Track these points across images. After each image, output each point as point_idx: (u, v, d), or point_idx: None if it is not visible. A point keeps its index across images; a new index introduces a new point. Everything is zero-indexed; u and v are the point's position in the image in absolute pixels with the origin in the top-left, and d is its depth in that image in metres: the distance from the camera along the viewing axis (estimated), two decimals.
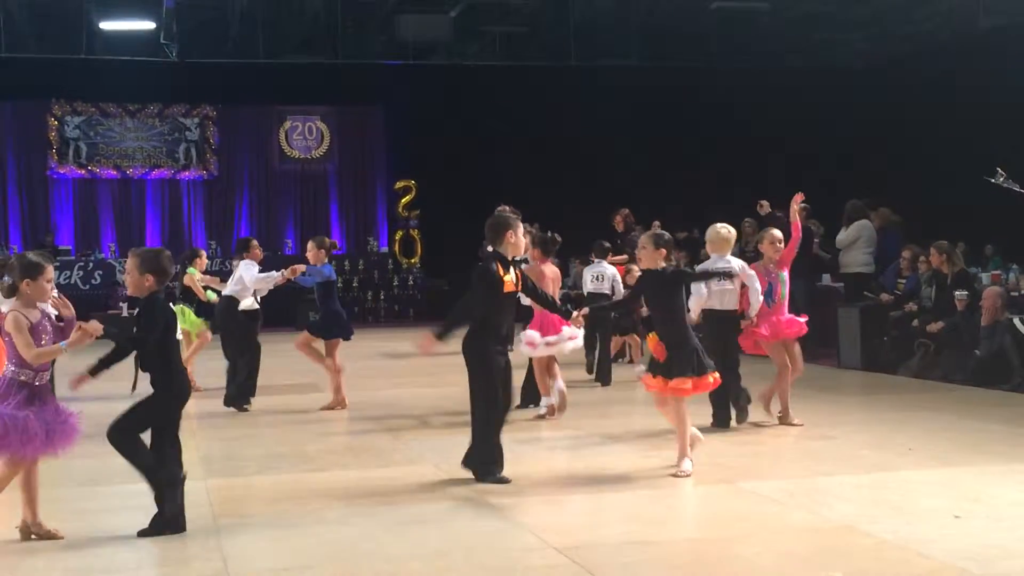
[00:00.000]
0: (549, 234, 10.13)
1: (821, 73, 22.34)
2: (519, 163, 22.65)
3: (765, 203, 15.48)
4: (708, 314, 9.19)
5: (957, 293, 12.25)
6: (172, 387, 6.11)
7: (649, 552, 5.59)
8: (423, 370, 14.41)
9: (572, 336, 9.69)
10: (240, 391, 10.97)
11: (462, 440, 8.62)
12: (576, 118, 22.70)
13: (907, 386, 11.93)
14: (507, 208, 9.31)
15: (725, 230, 9.20)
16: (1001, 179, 4.37)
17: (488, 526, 6.17)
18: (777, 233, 9.53)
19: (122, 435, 6.03)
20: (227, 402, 10.96)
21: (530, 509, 6.53)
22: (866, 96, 21.43)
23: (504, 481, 7.15)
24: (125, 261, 21.16)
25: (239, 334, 11.18)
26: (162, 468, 6.03)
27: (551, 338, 9.67)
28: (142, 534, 5.97)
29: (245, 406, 10.93)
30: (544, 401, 10.05)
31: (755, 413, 9.36)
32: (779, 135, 22.05)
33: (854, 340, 13.43)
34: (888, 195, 16.64)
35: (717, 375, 7.52)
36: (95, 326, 5.80)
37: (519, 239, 7.46)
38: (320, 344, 10.90)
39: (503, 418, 7.38)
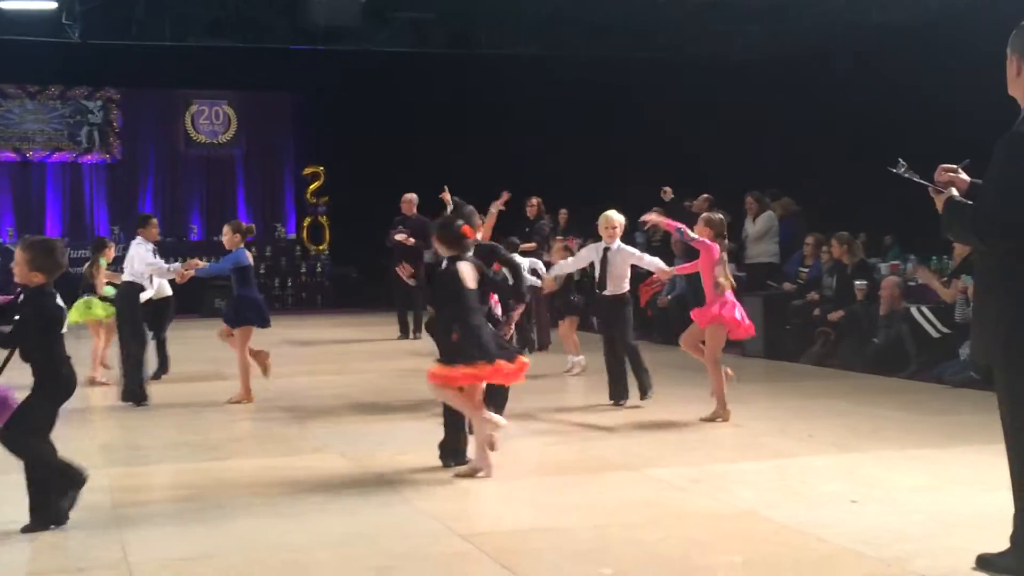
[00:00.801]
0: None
1: (721, 64, 22.56)
2: (428, 150, 22.57)
3: (668, 189, 15.69)
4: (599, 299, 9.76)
5: (857, 283, 12.51)
6: (55, 383, 5.90)
7: (554, 539, 5.63)
8: (330, 358, 14.36)
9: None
10: (139, 384, 10.45)
11: (369, 428, 8.64)
12: (482, 106, 22.69)
13: (808, 374, 12.16)
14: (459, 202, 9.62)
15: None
16: (903, 169, 4.48)
17: (394, 514, 6.17)
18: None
19: (14, 443, 5.84)
20: (125, 396, 10.44)
21: (436, 497, 6.54)
22: (765, 88, 21.70)
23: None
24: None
25: (138, 321, 10.74)
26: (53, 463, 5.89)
27: None
28: (26, 530, 5.80)
29: (144, 401, 10.43)
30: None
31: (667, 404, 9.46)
32: (680, 125, 22.26)
33: (757, 328, 13.61)
34: (788, 186, 16.92)
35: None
36: None
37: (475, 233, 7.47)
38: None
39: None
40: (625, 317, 9.82)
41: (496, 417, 7.09)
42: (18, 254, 5.98)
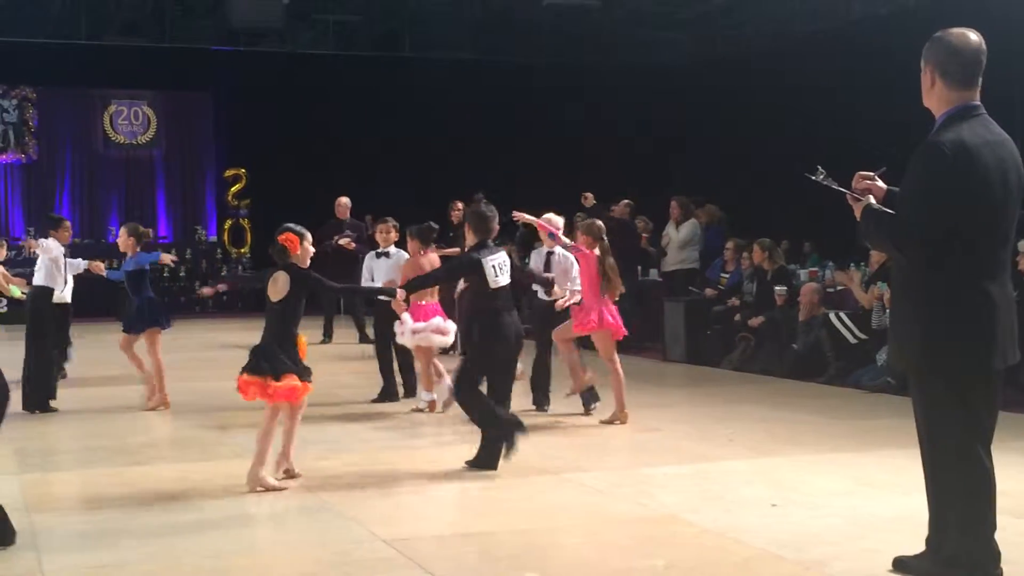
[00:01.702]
0: (426, 224, 10.09)
1: (650, 71, 22.76)
2: (351, 153, 22.45)
3: (589, 195, 15.81)
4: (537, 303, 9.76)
5: (777, 289, 12.67)
6: None
7: (475, 543, 5.63)
8: None
9: (440, 330, 9.67)
10: (44, 390, 10.12)
11: None
12: (408, 110, 22.62)
13: (728, 379, 12.28)
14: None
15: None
16: (821, 176, 4.53)
17: (317, 520, 6.12)
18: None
19: None
20: (30, 405, 9.98)
21: (360, 503, 6.50)
22: (690, 95, 21.92)
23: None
24: None
25: (54, 326, 10.55)
26: None
27: (419, 325, 9.66)
28: None
29: (52, 405, 10.14)
30: (425, 395, 9.94)
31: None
32: (607, 132, 22.40)
33: (679, 334, 13.75)
34: (709, 192, 17.10)
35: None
36: None
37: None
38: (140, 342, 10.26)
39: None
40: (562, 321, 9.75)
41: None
42: None
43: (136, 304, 10.22)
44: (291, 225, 7.19)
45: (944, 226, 4.42)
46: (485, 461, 7.29)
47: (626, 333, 9.49)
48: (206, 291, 11.83)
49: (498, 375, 7.58)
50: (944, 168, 4.43)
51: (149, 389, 10.34)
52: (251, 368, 6.89)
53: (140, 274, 10.20)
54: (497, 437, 7.26)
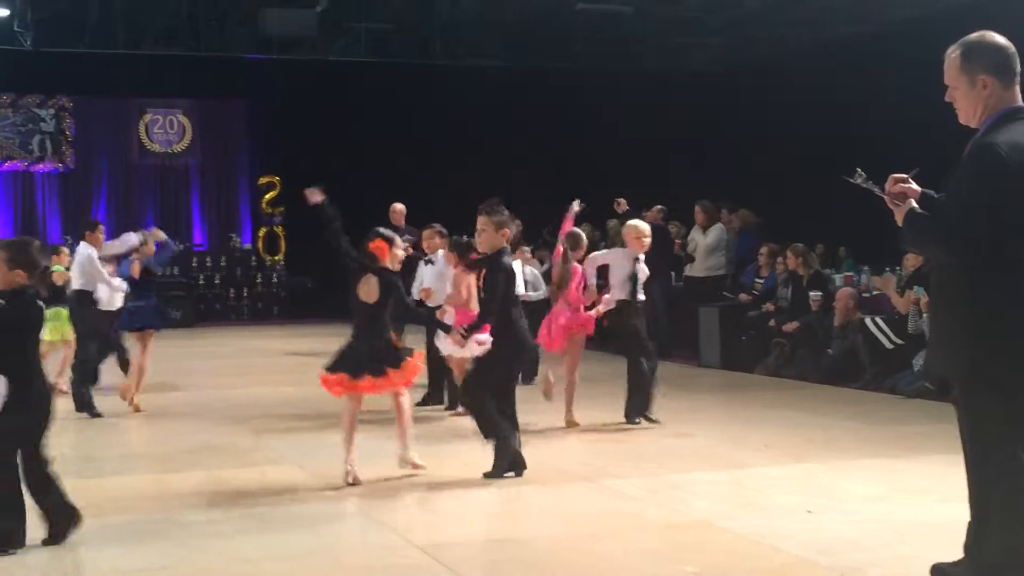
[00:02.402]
0: (464, 239, 10.09)
1: (683, 76, 22.72)
2: (385, 159, 22.55)
3: (623, 201, 15.70)
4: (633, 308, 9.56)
5: (812, 294, 12.61)
6: (24, 400, 5.56)
7: (510, 550, 5.63)
8: (286, 369, 14.28)
9: (481, 342, 9.69)
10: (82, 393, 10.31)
11: (325, 440, 8.57)
12: (441, 117, 22.69)
13: (763, 384, 12.22)
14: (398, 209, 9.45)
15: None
16: (860, 179, 4.47)
17: (351, 526, 6.15)
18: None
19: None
20: (80, 407, 10.25)
21: (394, 508, 6.52)
22: (723, 99, 21.86)
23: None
24: None
25: (97, 330, 10.70)
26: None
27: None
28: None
29: (98, 412, 10.30)
30: None
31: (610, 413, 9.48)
32: (643, 136, 22.36)
33: (713, 339, 13.71)
34: (746, 197, 17.02)
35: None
36: None
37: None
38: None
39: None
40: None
41: None
42: None
43: (152, 303, 10.54)
44: (381, 230, 7.29)
45: (996, 227, 4.34)
46: (501, 468, 7.25)
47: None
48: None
49: (508, 383, 7.58)
50: (999, 169, 4.36)
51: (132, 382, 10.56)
52: (372, 371, 7.06)
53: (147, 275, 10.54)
54: (503, 446, 7.23)
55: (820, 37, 20.18)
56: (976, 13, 14.93)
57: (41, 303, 5.82)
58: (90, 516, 6.38)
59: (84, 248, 10.61)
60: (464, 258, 9.84)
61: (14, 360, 5.61)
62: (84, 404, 10.27)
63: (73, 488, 7.08)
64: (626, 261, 9.53)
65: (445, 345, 9.63)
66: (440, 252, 10.65)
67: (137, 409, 10.43)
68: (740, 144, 21.40)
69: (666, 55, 22.64)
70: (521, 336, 7.46)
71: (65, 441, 8.99)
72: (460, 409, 9.88)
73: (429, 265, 10.72)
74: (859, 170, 4.85)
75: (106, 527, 6.16)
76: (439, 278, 10.33)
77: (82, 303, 10.54)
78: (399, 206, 15.80)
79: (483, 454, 8.07)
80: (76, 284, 10.63)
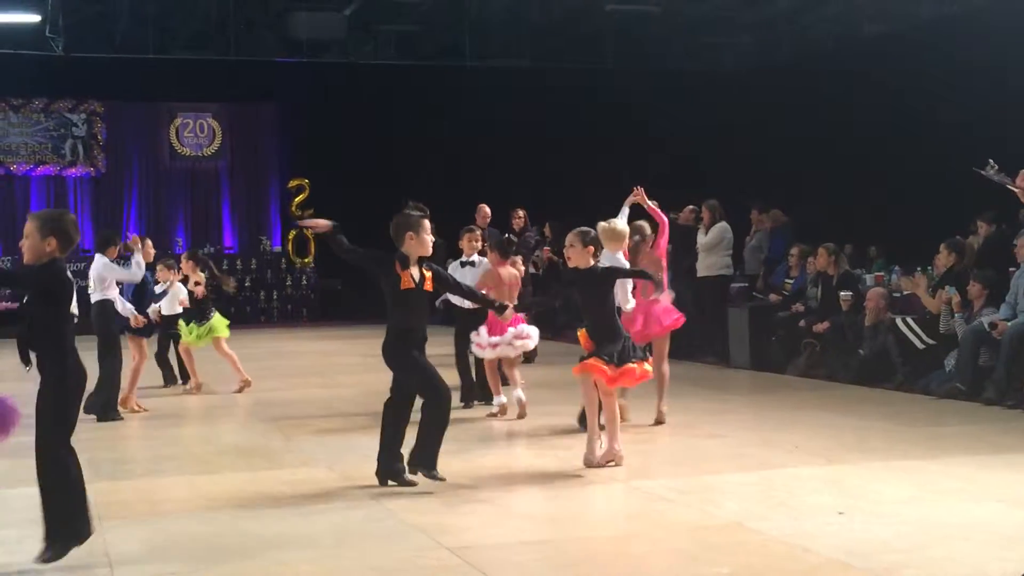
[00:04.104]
0: (505, 236, 10.21)
1: (713, 75, 22.66)
2: (414, 162, 22.60)
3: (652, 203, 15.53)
4: None
5: (842, 294, 12.54)
6: (61, 375, 5.40)
7: (541, 551, 5.63)
8: (316, 371, 14.32)
9: (521, 336, 9.80)
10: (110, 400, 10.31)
11: (355, 441, 8.60)
12: (471, 118, 22.71)
13: (794, 385, 12.17)
14: (416, 206, 9.22)
15: (620, 225, 9.09)
16: (992, 171, 4.39)
17: (381, 527, 6.15)
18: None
19: (45, 455, 5.39)
20: (103, 415, 10.18)
21: (424, 510, 6.52)
22: (753, 99, 21.77)
23: (438, 479, 7.05)
24: (8, 260, 20.42)
25: (114, 337, 10.49)
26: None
27: (494, 339, 9.77)
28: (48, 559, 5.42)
29: (115, 415, 10.27)
30: (496, 400, 10.01)
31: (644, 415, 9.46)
32: (669, 136, 22.32)
33: (743, 340, 13.64)
34: (776, 196, 16.93)
35: (645, 368, 7.61)
36: None
37: (422, 239, 7.20)
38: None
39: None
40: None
41: None
42: (27, 226, 5.50)
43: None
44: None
45: None
46: None
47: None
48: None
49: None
50: None
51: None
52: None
53: (141, 285, 11.17)
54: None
55: (849, 35, 20.07)
56: (1005, 12, 14.83)
57: (71, 276, 5.68)
58: (122, 518, 6.43)
59: (100, 259, 10.56)
60: (505, 256, 10.02)
61: (47, 334, 5.45)
62: (103, 409, 10.21)
63: (105, 490, 7.15)
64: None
65: (486, 352, 9.91)
66: (476, 256, 10.74)
67: (135, 410, 10.60)
68: (771, 144, 21.30)
69: (695, 55, 22.60)
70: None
71: (96, 444, 9.06)
72: (495, 408, 10.01)
73: (468, 267, 10.73)
74: (991, 161, 4.70)
75: (138, 529, 6.20)
76: (478, 279, 10.38)
77: (100, 313, 10.34)
78: (485, 207, 15.54)
79: (515, 456, 8.09)
80: (97, 295, 10.53)
